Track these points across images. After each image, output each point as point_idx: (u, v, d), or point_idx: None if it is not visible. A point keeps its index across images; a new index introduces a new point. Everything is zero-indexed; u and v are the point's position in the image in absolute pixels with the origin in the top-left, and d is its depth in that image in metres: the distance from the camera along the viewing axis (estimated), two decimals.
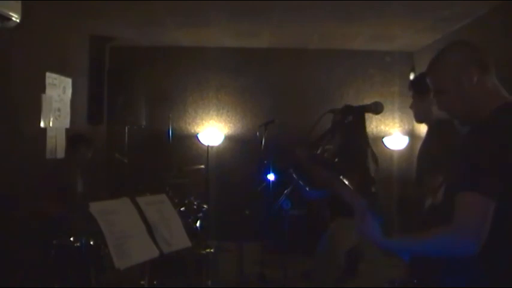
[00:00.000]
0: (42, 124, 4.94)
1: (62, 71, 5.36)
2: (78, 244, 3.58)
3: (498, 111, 1.60)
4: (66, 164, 4.52)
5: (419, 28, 5.72)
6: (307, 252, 4.38)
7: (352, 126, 3.61)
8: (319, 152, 3.46)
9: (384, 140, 6.79)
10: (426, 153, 2.82)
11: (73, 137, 4.60)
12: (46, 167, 4.82)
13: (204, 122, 7.03)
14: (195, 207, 4.88)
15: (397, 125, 6.97)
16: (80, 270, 3.53)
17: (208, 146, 6.79)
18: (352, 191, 1.81)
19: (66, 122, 5.45)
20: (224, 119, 7.04)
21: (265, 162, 5.57)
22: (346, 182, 3.61)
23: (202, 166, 6.12)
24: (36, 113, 4.88)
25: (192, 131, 7.02)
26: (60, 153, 5.20)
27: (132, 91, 6.08)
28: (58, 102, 5.27)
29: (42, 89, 4.98)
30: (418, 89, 2.84)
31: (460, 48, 1.73)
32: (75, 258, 3.56)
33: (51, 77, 5.12)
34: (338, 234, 3.62)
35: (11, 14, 3.23)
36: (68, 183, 4.25)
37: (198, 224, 4.77)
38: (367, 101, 3.32)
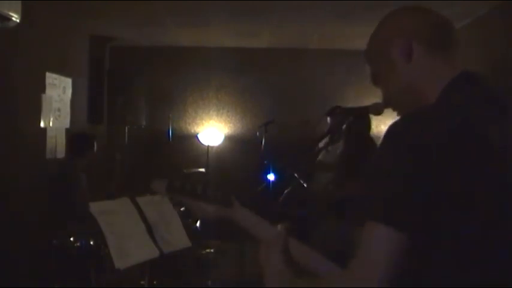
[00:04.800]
0: (42, 124, 4.94)
1: (62, 71, 5.35)
2: (78, 244, 3.58)
3: (444, 92, 1.16)
4: (75, 164, 4.49)
5: None
6: None
7: (353, 128, 3.62)
8: (318, 152, 3.46)
9: None
10: None
11: (82, 136, 4.62)
12: (47, 167, 4.83)
13: (204, 122, 7.03)
14: None
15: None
16: (80, 270, 3.52)
17: (208, 146, 6.79)
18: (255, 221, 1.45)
19: (66, 122, 5.45)
20: (224, 119, 7.04)
21: (265, 162, 5.57)
22: (347, 187, 3.58)
23: (203, 169, 6.12)
24: (36, 113, 4.88)
25: (192, 131, 7.02)
26: (60, 153, 5.19)
27: (132, 91, 6.07)
28: (58, 102, 5.27)
29: (42, 89, 4.98)
30: None
31: (400, 15, 1.29)
32: (75, 258, 3.56)
33: (51, 77, 5.11)
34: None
35: (11, 14, 3.23)
36: (79, 183, 4.27)
37: (198, 224, 4.77)
38: (367, 101, 3.32)
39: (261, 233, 1.40)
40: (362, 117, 3.62)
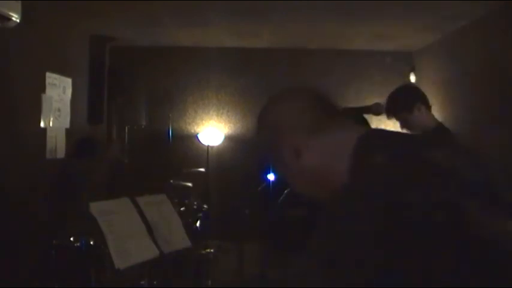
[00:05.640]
0: (42, 124, 4.94)
1: (62, 71, 5.35)
2: (78, 244, 3.58)
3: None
4: (74, 164, 4.50)
5: (420, 28, 5.72)
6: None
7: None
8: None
9: None
10: None
11: (86, 141, 4.62)
12: (47, 167, 4.83)
13: (204, 122, 7.03)
14: (195, 207, 4.88)
15: (397, 125, 6.96)
16: (80, 270, 3.52)
17: (208, 146, 6.79)
18: None
19: (66, 122, 5.45)
20: (224, 119, 7.04)
21: (265, 162, 5.57)
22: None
23: (203, 169, 6.12)
24: (36, 113, 4.88)
25: (192, 131, 7.02)
26: (60, 154, 5.19)
27: (132, 91, 6.09)
28: (58, 102, 5.27)
29: (42, 89, 4.98)
30: (395, 110, 3.19)
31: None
32: (75, 258, 3.56)
33: (51, 77, 5.12)
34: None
35: (11, 14, 3.23)
36: (78, 183, 4.27)
37: (198, 224, 4.77)
38: (367, 101, 3.33)
39: None
40: (361, 117, 3.63)
